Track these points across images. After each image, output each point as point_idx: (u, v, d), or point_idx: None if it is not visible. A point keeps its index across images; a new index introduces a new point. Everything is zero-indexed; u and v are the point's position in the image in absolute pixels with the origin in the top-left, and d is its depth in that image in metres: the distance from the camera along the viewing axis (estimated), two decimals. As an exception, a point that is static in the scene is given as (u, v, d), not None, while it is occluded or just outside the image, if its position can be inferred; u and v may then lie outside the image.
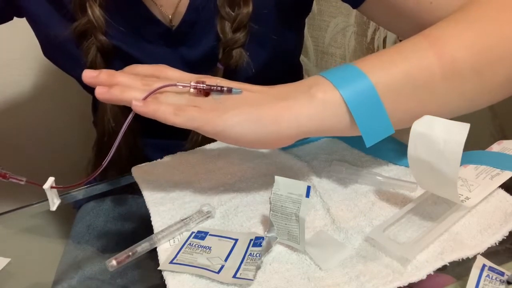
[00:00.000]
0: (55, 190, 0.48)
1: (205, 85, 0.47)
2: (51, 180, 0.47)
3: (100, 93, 0.46)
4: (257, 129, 0.45)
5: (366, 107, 0.45)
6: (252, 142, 0.46)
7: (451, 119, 0.41)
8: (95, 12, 0.60)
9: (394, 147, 0.55)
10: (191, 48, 0.67)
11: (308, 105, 0.45)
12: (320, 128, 0.46)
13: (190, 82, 0.48)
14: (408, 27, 0.57)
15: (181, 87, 0.47)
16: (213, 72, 0.66)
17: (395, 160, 0.54)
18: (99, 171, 0.47)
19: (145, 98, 0.46)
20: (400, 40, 1.05)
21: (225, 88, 0.47)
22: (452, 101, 0.48)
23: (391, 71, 0.46)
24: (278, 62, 0.71)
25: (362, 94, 0.45)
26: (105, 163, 0.47)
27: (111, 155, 0.47)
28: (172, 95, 0.48)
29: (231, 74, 0.66)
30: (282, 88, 0.48)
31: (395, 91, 0.45)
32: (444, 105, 0.47)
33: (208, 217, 0.50)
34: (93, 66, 0.64)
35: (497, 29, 0.47)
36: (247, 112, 0.45)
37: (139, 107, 0.45)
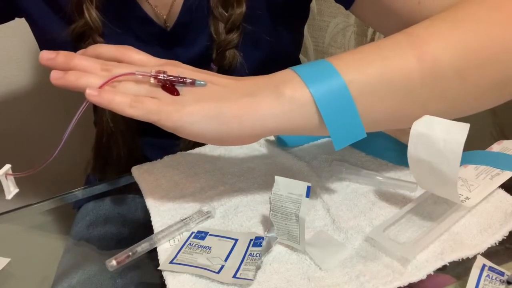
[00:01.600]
0: (12, 178, 0.45)
1: (165, 76, 0.44)
2: (6, 167, 0.44)
3: (54, 78, 0.43)
4: (218, 127, 0.42)
5: (336, 108, 0.42)
6: (212, 140, 0.44)
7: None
8: (91, 14, 0.60)
9: (394, 147, 0.55)
10: (186, 48, 0.67)
11: (274, 104, 0.43)
12: (286, 127, 0.43)
13: (151, 71, 0.44)
14: (397, 27, 0.51)
15: (141, 76, 0.44)
16: None
17: (395, 160, 0.54)
18: (53, 158, 0.45)
19: (101, 87, 0.43)
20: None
21: (188, 80, 0.44)
22: (433, 105, 0.44)
23: (366, 71, 0.43)
24: (273, 63, 0.71)
25: (333, 93, 0.42)
26: (58, 150, 0.46)
27: (62, 143, 0.46)
28: (132, 84, 0.45)
29: (225, 74, 0.66)
30: (250, 81, 0.45)
31: (369, 92, 0.43)
32: (423, 108, 0.44)
33: (208, 217, 0.50)
34: None
35: (486, 30, 0.44)
36: (208, 109, 0.42)
37: (93, 96, 0.42)
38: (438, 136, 0.40)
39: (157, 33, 0.66)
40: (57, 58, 0.45)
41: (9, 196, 0.46)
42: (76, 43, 0.64)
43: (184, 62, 0.68)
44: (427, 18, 0.47)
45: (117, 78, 0.44)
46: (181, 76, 0.44)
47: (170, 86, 0.44)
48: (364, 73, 0.43)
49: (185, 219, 0.49)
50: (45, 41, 0.67)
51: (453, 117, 0.43)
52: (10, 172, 0.45)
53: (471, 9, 0.45)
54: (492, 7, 0.45)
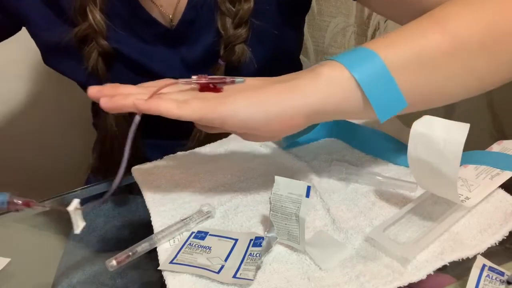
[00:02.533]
0: (79, 212, 0.46)
1: (207, 78, 0.47)
2: (76, 201, 0.45)
3: (104, 102, 0.45)
4: (262, 112, 0.44)
5: (376, 81, 0.43)
6: (258, 126, 0.44)
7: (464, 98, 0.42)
8: (95, 17, 0.60)
9: (394, 147, 0.55)
10: (191, 46, 0.67)
11: (313, 83, 0.44)
12: (329, 105, 0.44)
13: (191, 77, 0.47)
14: (408, 14, 0.55)
15: (183, 83, 0.47)
16: (213, 69, 0.66)
17: (395, 160, 0.54)
18: (112, 191, 0.46)
19: (149, 97, 0.45)
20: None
21: (227, 79, 0.47)
22: (461, 79, 0.47)
23: (397, 49, 0.45)
24: (278, 60, 0.71)
25: (371, 69, 0.44)
26: (117, 181, 0.46)
27: (123, 169, 0.46)
28: (175, 94, 0.47)
29: (233, 70, 0.66)
30: (286, 75, 0.47)
31: (405, 67, 0.44)
32: (453, 82, 0.47)
33: (208, 217, 0.50)
34: (95, 71, 0.65)
35: (501, 7, 0.47)
36: (249, 96, 0.44)
37: (141, 105, 0.44)
38: (438, 136, 0.40)
39: (161, 33, 0.66)
40: (104, 90, 0.47)
41: (78, 230, 0.46)
42: (79, 46, 0.63)
43: (189, 60, 0.68)
44: (438, 3, 0.49)
45: (161, 89, 0.46)
46: (220, 77, 0.47)
47: (212, 87, 0.47)
48: (395, 50, 0.45)
49: (185, 219, 0.49)
50: (47, 46, 0.67)
51: (481, 91, 0.48)
52: (79, 206, 0.46)
53: None
54: None
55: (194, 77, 0.47)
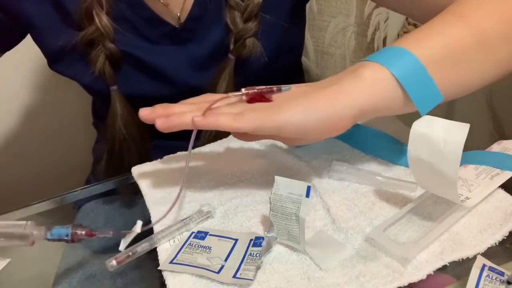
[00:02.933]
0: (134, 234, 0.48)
1: (256, 90, 0.49)
2: (139, 224, 0.47)
3: (161, 123, 0.47)
4: (316, 116, 0.45)
5: (414, 78, 0.46)
6: (314, 130, 0.46)
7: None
8: (102, 20, 0.60)
9: (394, 147, 0.55)
10: (199, 43, 0.67)
11: (359, 84, 0.46)
12: (374, 105, 0.46)
13: (241, 90, 0.49)
14: (423, 10, 0.58)
15: (233, 96, 0.50)
16: (223, 64, 0.66)
17: (395, 160, 0.54)
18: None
19: (204, 113, 0.47)
20: (405, 32, 1.05)
21: (274, 88, 0.49)
22: (487, 70, 0.50)
23: (429, 45, 0.47)
24: (285, 54, 0.71)
25: (409, 67, 0.46)
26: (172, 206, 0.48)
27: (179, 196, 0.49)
28: (227, 107, 0.49)
29: (242, 64, 0.66)
30: (326, 79, 0.49)
31: (435, 63, 0.46)
32: (480, 73, 0.49)
33: (208, 217, 0.50)
34: (102, 74, 0.64)
35: None
36: (302, 102, 0.46)
37: (199, 121, 0.46)
38: (438, 136, 0.40)
39: (168, 32, 0.66)
40: (156, 111, 0.49)
41: (122, 248, 0.46)
42: (85, 50, 0.63)
43: (198, 57, 0.68)
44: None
45: (214, 104, 0.48)
46: (268, 87, 0.49)
47: (262, 97, 0.49)
48: (427, 46, 0.47)
49: (185, 219, 0.49)
50: (53, 51, 0.67)
51: (500, 77, 0.51)
52: (139, 229, 0.47)
53: None
54: None
55: (243, 89, 0.49)
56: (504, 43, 0.49)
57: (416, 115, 0.44)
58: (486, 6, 0.49)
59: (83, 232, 0.47)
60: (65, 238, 0.47)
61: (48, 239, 0.47)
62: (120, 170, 0.62)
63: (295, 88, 0.49)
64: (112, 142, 0.69)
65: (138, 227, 0.47)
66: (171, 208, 0.48)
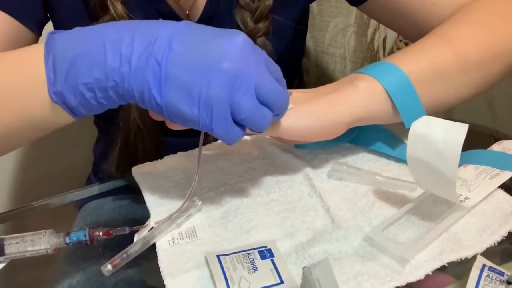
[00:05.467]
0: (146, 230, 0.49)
1: None
2: (152, 219, 0.49)
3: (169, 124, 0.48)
4: (318, 121, 0.49)
5: (403, 93, 0.50)
6: (315, 134, 0.50)
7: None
8: (117, 9, 0.60)
9: (391, 139, 0.56)
10: None
11: (356, 94, 0.50)
12: (367, 113, 0.51)
13: None
14: (410, 26, 0.62)
15: None
16: None
17: (393, 151, 0.54)
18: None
19: None
20: (401, 40, 1.05)
21: None
22: (464, 90, 0.55)
23: (417, 64, 0.52)
24: (289, 58, 0.71)
25: (398, 82, 0.50)
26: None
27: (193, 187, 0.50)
28: None
29: None
30: (325, 86, 0.53)
31: (422, 80, 0.51)
32: (459, 93, 0.55)
33: (196, 208, 0.50)
34: None
35: (496, 30, 0.56)
36: (305, 108, 0.49)
37: None
38: (437, 137, 0.40)
39: None
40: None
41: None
42: None
43: None
44: (439, 17, 0.58)
45: None
46: None
47: None
48: (416, 65, 0.52)
49: (172, 214, 0.49)
50: None
51: (474, 96, 0.56)
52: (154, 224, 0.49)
53: (482, 13, 0.57)
54: (495, 10, 0.57)
55: None
56: (479, 68, 0.54)
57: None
58: (470, 34, 0.55)
59: (101, 233, 0.48)
60: (84, 241, 0.48)
61: (67, 244, 0.48)
62: (133, 162, 0.62)
63: (296, 93, 0.51)
64: (127, 134, 0.69)
65: (152, 222, 0.49)
66: (181, 207, 0.48)
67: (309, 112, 0.49)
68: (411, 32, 0.56)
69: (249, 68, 0.41)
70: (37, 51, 0.44)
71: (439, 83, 0.53)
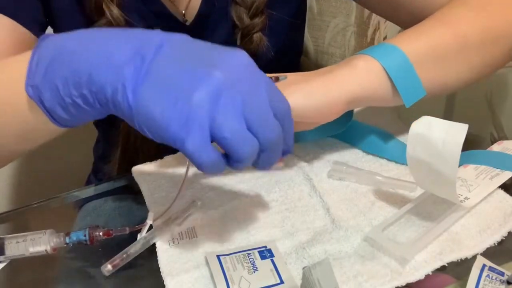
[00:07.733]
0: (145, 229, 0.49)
1: None
2: (151, 215, 0.49)
3: None
4: (314, 101, 0.48)
5: (402, 72, 0.50)
6: (312, 115, 0.48)
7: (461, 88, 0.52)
8: (113, 12, 0.60)
9: (393, 144, 0.55)
10: (206, 40, 0.68)
11: (353, 73, 0.49)
12: (365, 92, 0.50)
13: None
14: (409, 17, 0.61)
15: None
16: None
17: (395, 157, 0.54)
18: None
19: None
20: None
21: (273, 78, 0.48)
22: (465, 73, 0.54)
23: (416, 44, 0.51)
24: (286, 55, 0.71)
25: (397, 61, 0.50)
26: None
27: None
28: None
29: None
30: (322, 68, 0.52)
31: (421, 61, 0.50)
32: (459, 75, 0.54)
33: (194, 207, 0.50)
34: None
35: (498, 11, 0.56)
36: (301, 89, 0.48)
37: None
38: (436, 137, 0.40)
39: (177, 28, 0.66)
40: None
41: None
42: None
43: None
44: (438, 7, 0.56)
45: None
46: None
47: None
48: (415, 45, 0.51)
49: (167, 209, 0.49)
50: None
51: (474, 81, 0.56)
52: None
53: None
54: None
55: None
56: (480, 50, 0.54)
57: (416, 115, 0.44)
58: (469, 15, 0.54)
59: (100, 233, 0.48)
60: (84, 241, 0.48)
61: (67, 244, 0.48)
62: (134, 164, 0.62)
63: (291, 76, 0.50)
64: (128, 136, 0.69)
65: (150, 218, 0.48)
66: (167, 209, 0.48)
67: (304, 92, 0.48)
68: (411, 23, 0.55)
69: (243, 86, 0.38)
70: (29, 52, 0.43)
71: (439, 63, 0.52)
